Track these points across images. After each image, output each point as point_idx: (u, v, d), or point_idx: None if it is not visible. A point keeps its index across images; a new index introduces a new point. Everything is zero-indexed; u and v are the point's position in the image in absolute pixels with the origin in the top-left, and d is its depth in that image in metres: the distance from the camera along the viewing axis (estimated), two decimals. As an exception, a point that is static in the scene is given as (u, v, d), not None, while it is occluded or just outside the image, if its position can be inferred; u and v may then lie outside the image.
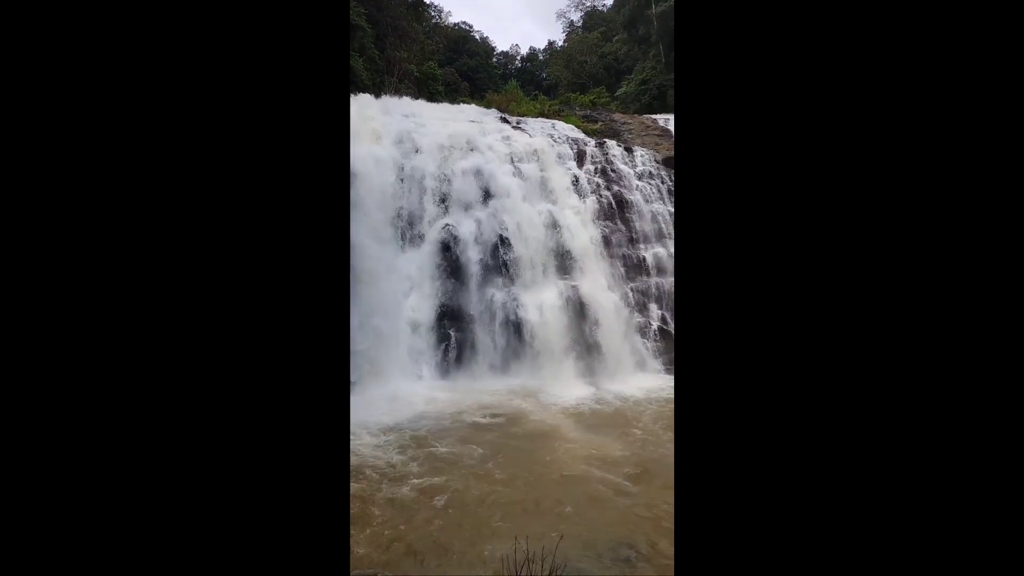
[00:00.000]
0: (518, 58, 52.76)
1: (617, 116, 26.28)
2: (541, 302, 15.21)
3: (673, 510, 7.37)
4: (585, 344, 14.93)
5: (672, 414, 11.51)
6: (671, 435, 10.34)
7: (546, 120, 23.16)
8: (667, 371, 15.89)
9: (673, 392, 13.11)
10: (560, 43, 50.40)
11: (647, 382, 14.20)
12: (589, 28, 47.89)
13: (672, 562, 6.19)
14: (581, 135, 21.52)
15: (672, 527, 7.01)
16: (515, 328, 14.82)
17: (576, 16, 51.98)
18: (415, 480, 7.80)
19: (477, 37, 49.14)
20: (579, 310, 15.33)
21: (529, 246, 16.05)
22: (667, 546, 6.45)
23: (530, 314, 14.88)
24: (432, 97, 25.98)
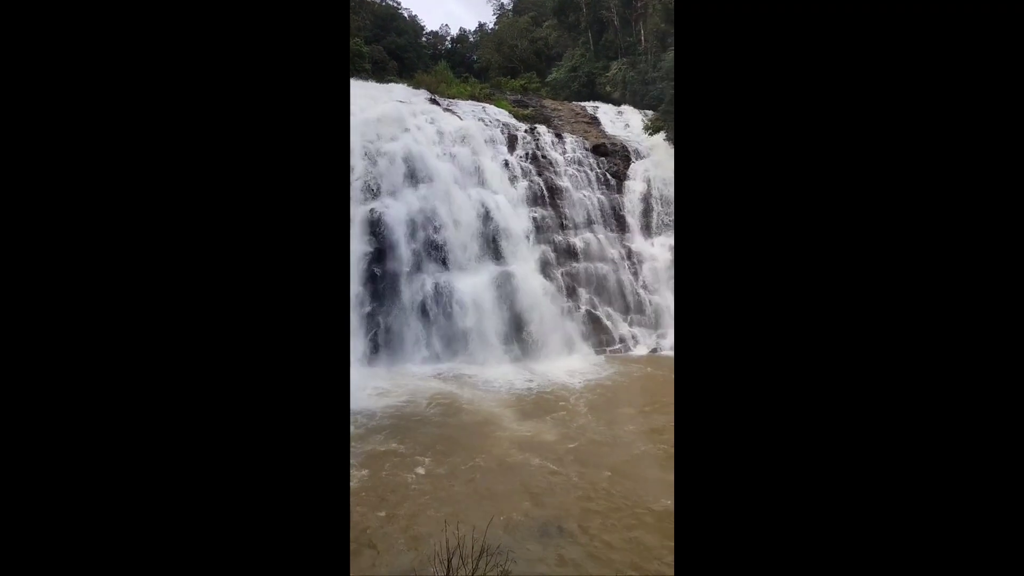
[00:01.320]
0: (448, 39, 51.68)
1: (547, 102, 26.40)
2: (473, 286, 15.11)
3: (603, 490, 7.55)
4: (517, 328, 15.01)
5: (603, 397, 11.83)
6: (605, 418, 10.63)
7: (477, 103, 22.87)
8: (596, 353, 16.32)
9: (602, 375, 13.35)
10: (491, 26, 49.85)
11: (577, 364, 14.51)
12: (520, 12, 47.60)
13: (614, 549, 6.37)
14: (512, 120, 21.45)
15: (602, 506, 7.21)
16: (446, 313, 14.65)
17: (507, -1, 51.56)
18: (351, 478, 7.54)
19: (405, 15, 47.56)
20: (511, 294, 15.36)
21: (460, 230, 15.86)
22: (594, 524, 6.63)
23: (462, 298, 14.75)
24: (359, 75, 24.93)
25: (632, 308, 17.87)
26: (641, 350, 16.92)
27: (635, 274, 18.44)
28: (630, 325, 17.56)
